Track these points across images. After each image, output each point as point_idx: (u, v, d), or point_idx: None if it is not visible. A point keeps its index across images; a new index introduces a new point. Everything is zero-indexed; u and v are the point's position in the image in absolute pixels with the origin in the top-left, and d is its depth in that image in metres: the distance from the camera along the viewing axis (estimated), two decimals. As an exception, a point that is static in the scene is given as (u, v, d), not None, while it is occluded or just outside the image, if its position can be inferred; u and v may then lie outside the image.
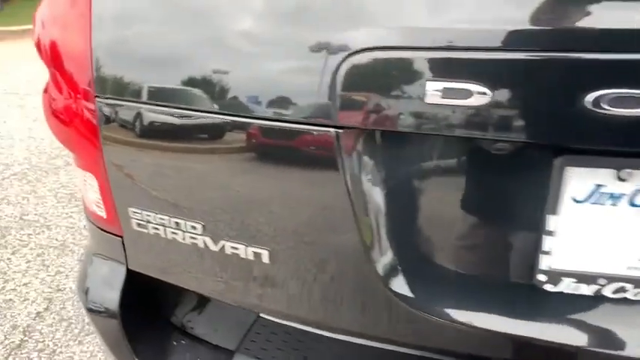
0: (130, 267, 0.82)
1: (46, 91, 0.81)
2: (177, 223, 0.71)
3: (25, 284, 1.97)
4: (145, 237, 0.76)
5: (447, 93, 0.50)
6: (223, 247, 0.69)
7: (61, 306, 1.85)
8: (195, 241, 0.71)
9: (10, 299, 1.90)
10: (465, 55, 0.49)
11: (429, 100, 0.51)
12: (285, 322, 0.84)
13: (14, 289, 1.95)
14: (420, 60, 0.51)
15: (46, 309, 1.84)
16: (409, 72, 0.51)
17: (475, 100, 0.49)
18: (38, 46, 0.79)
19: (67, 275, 2.01)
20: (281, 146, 0.60)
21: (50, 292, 1.92)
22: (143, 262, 0.80)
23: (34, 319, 1.79)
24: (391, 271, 0.59)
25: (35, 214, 2.45)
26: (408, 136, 0.55)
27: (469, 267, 0.61)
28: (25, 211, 2.48)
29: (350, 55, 0.52)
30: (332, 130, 0.56)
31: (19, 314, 1.82)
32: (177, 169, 0.69)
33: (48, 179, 2.80)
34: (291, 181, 0.61)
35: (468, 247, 0.60)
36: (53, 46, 0.75)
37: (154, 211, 0.73)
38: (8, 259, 2.13)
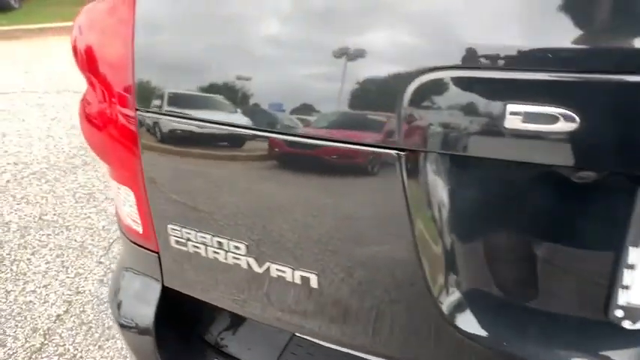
0: (165, 284, 0.79)
1: (83, 100, 0.78)
2: (219, 243, 0.68)
3: (44, 286, 1.96)
4: (184, 255, 0.73)
5: (529, 117, 0.46)
6: (268, 269, 0.66)
7: (81, 309, 1.83)
8: (238, 261, 0.68)
9: (30, 301, 1.89)
10: (554, 77, 0.45)
11: (508, 124, 0.47)
12: (321, 343, 0.81)
13: (34, 291, 1.94)
14: (501, 81, 0.47)
15: (66, 312, 1.83)
16: (487, 94, 0.47)
17: (562, 126, 0.45)
18: (75, 51, 0.76)
19: (86, 278, 2.00)
20: (340, 168, 0.57)
21: (70, 295, 1.91)
22: (180, 280, 0.77)
23: (54, 322, 1.78)
24: (456, 307, 0.56)
25: (54, 215, 2.45)
26: (479, 161, 0.51)
27: (538, 301, 0.56)
28: (44, 211, 2.48)
29: (421, 73, 0.49)
30: (394, 152, 0.53)
31: (39, 317, 1.81)
32: (223, 186, 0.65)
33: (66, 179, 2.80)
34: (348, 206, 0.58)
35: (538, 280, 0.56)
36: (93, 51, 0.72)
37: (194, 229, 0.69)
38: (28, 259, 2.13)
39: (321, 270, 0.63)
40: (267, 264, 0.66)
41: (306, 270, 0.63)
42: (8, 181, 2.79)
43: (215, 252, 0.69)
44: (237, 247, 0.67)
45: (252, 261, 0.67)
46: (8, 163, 3.00)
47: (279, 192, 0.62)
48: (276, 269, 0.65)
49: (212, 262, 0.70)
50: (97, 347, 1.66)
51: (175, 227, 0.71)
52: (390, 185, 0.54)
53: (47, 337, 1.72)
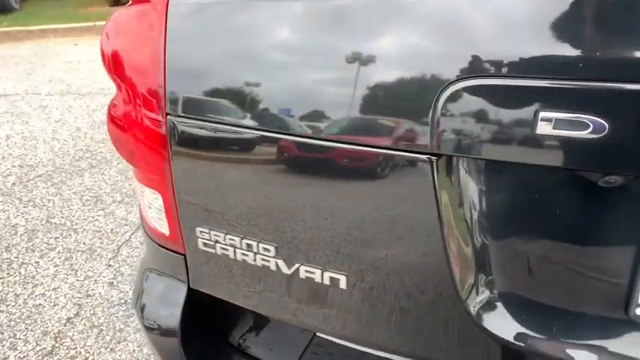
0: (192, 286, 0.80)
1: (111, 104, 0.80)
2: (248, 245, 0.69)
3: (54, 289, 1.97)
4: (211, 257, 0.74)
5: (560, 124, 0.48)
6: (297, 270, 0.68)
7: (92, 312, 1.84)
8: (266, 263, 0.69)
9: (40, 304, 1.90)
10: (584, 86, 0.46)
11: (539, 130, 0.48)
12: (342, 342, 0.83)
13: (43, 294, 1.95)
14: (532, 89, 0.48)
15: (77, 315, 1.83)
16: (519, 101, 0.49)
17: (591, 133, 0.47)
18: (104, 56, 0.78)
19: (95, 280, 2.01)
20: (372, 173, 0.58)
21: (80, 298, 1.92)
22: (207, 281, 0.78)
23: (64, 325, 1.79)
24: (484, 309, 0.57)
25: (61, 217, 2.45)
26: (510, 166, 0.52)
27: (563, 300, 0.58)
28: (52, 214, 2.48)
29: (455, 81, 0.50)
30: (426, 156, 0.55)
31: (50, 320, 1.81)
32: (253, 189, 0.67)
33: (73, 181, 2.80)
34: (379, 209, 0.59)
35: (563, 280, 0.58)
36: (124, 57, 0.74)
37: (223, 232, 0.71)
38: (36, 262, 2.13)
39: (349, 271, 0.64)
40: (297, 265, 0.67)
41: (336, 271, 0.65)
42: (14, 184, 2.79)
43: (244, 254, 0.71)
44: (266, 249, 0.68)
45: (281, 262, 0.68)
46: (13, 166, 3.00)
47: (309, 194, 0.63)
48: (305, 270, 0.67)
49: (240, 264, 0.72)
50: (108, 350, 1.67)
51: (204, 230, 0.73)
52: (421, 189, 0.56)
53: (58, 340, 1.73)
